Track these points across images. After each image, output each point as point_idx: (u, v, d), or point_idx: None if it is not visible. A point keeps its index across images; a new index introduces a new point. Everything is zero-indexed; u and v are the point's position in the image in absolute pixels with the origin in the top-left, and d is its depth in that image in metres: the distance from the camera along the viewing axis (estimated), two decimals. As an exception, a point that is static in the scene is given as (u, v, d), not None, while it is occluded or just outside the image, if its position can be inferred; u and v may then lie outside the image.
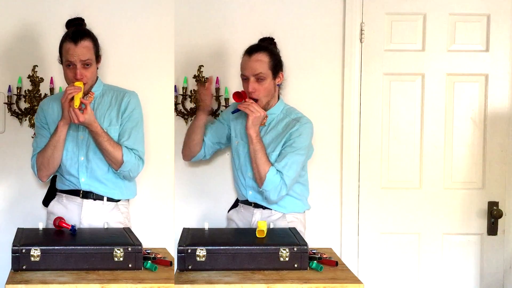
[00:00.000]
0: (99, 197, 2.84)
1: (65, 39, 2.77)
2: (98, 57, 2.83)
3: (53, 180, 2.95)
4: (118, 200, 2.88)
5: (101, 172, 2.82)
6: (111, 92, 2.89)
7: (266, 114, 2.85)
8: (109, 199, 2.85)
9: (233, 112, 2.88)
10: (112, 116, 2.83)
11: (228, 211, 3.08)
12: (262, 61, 2.80)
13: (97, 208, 2.83)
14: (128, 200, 2.94)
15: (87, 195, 2.83)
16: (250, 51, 2.83)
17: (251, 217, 2.91)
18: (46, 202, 2.96)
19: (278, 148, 2.83)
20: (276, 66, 2.85)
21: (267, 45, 2.89)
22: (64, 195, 2.87)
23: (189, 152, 3.04)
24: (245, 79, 2.83)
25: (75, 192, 2.84)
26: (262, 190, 2.78)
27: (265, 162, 2.75)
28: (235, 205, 3.07)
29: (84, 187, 2.82)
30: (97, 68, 2.85)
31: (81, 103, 2.65)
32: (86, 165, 2.81)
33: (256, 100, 2.79)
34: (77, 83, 2.70)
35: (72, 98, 2.66)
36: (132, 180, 2.89)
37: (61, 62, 2.80)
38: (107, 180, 2.83)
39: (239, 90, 2.84)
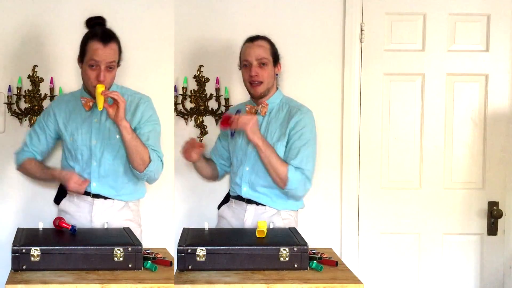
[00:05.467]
0: (109, 197, 2.84)
1: (92, 37, 2.69)
2: (119, 62, 2.78)
3: None
4: None
5: (113, 177, 2.81)
6: (124, 97, 2.77)
7: (266, 103, 2.88)
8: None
9: (232, 136, 2.98)
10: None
11: (219, 207, 3.07)
12: (264, 47, 2.87)
13: (107, 207, 2.83)
14: (138, 199, 2.96)
15: (97, 195, 2.83)
16: (252, 38, 2.89)
17: (244, 213, 2.89)
18: (57, 200, 2.95)
19: (283, 138, 2.83)
20: (276, 55, 2.92)
21: (265, 36, 2.93)
22: (75, 194, 2.85)
23: (211, 178, 3.21)
24: (246, 65, 2.86)
25: (85, 192, 2.83)
26: (287, 190, 2.79)
27: (281, 164, 2.76)
28: (225, 200, 3.06)
29: (95, 191, 2.81)
30: None
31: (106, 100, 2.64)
32: (98, 171, 2.80)
33: (260, 83, 2.84)
34: (99, 86, 2.64)
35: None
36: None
37: (81, 60, 2.74)
38: (117, 184, 2.83)
39: (223, 116, 2.92)
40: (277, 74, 2.94)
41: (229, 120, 2.77)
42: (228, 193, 3.05)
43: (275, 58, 2.90)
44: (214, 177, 3.20)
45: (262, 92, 2.87)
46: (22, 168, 2.98)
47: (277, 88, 2.96)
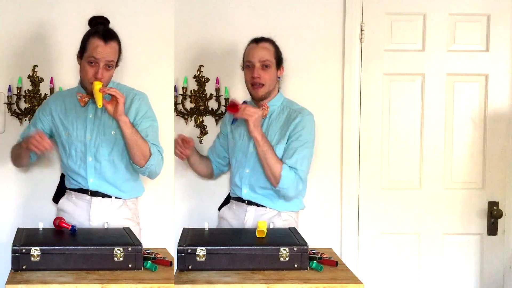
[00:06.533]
0: (107, 195, 2.84)
1: (93, 34, 2.71)
2: (117, 62, 2.79)
3: (62, 177, 2.96)
4: None
5: (110, 172, 2.82)
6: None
7: (267, 105, 2.88)
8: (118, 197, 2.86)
9: (232, 123, 2.96)
10: None
11: (219, 208, 3.07)
12: (268, 49, 2.88)
13: (105, 205, 2.83)
14: (136, 197, 2.96)
15: (95, 193, 2.83)
16: (257, 40, 2.90)
17: (244, 214, 2.90)
18: (56, 199, 2.96)
19: (282, 140, 2.84)
20: (279, 58, 2.92)
21: (271, 38, 2.94)
22: (73, 192, 2.87)
23: (206, 175, 3.21)
24: (249, 66, 2.87)
25: (83, 191, 2.84)
26: (279, 189, 2.78)
27: (277, 161, 2.76)
28: (226, 201, 3.06)
29: (92, 187, 2.82)
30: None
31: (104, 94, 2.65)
32: (95, 166, 2.81)
33: (262, 85, 2.84)
34: (96, 83, 2.66)
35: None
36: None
37: (80, 56, 2.75)
38: (115, 180, 2.83)
39: (230, 101, 2.88)
40: (279, 77, 2.96)
41: (237, 106, 2.78)
42: (229, 194, 3.05)
43: (278, 61, 2.91)
44: (209, 175, 3.20)
45: (263, 94, 2.87)
46: (12, 159, 2.97)
47: (278, 91, 2.97)
